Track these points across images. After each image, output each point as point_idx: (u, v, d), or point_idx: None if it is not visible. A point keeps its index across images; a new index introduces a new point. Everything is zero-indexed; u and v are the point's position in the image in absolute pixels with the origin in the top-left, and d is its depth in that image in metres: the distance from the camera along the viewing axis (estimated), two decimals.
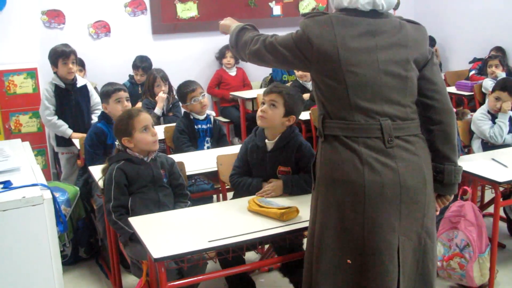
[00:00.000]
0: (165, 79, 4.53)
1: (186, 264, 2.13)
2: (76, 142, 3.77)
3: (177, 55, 5.76)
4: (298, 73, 4.91)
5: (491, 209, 2.98)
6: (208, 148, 3.62)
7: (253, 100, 5.34)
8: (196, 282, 2.50)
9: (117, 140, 2.74)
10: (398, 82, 1.89)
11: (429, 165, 1.95)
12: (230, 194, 2.97)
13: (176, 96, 4.14)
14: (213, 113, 3.78)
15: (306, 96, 4.73)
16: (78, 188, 3.41)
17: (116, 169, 2.60)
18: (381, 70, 1.87)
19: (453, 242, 2.84)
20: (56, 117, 3.97)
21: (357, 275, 1.90)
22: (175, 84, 4.10)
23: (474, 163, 2.95)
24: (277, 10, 6.22)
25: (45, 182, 2.12)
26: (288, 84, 5.14)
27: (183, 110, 3.76)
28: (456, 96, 5.37)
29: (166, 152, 3.58)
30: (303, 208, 2.32)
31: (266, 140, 2.69)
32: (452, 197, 2.08)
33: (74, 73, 3.98)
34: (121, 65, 5.37)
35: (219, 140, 3.69)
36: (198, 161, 3.15)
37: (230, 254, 2.18)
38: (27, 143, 2.86)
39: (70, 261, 3.34)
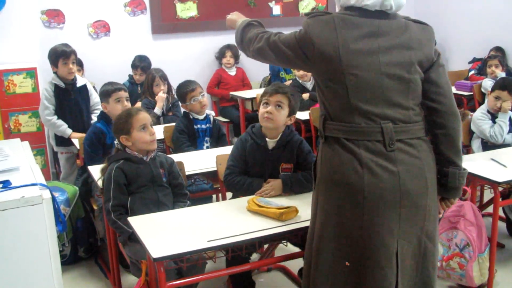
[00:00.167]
0: (164, 78, 4.53)
1: (185, 264, 2.12)
2: (76, 141, 3.77)
3: (176, 55, 5.76)
4: (299, 73, 4.91)
5: (490, 209, 2.97)
6: (207, 148, 3.62)
7: (252, 100, 5.34)
8: (195, 282, 2.50)
9: (116, 139, 2.74)
10: (400, 85, 1.86)
11: (432, 168, 1.92)
12: (229, 194, 2.98)
13: (175, 96, 4.14)
14: (213, 113, 3.79)
15: (305, 96, 4.74)
16: (77, 188, 3.41)
17: (115, 168, 2.60)
18: (382, 72, 1.84)
19: (452, 242, 2.84)
20: (55, 116, 3.97)
21: (355, 278, 1.90)
22: (174, 84, 4.10)
23: (473, 163, 2.95)
24: (276, 10, 6.22)
25: (44, 182, 2.12)
26: (287, 83, 5.15)
27: (182, 109, 3.76)
28: (455, 96, 5.35)
29: (166, 152, 3.58)
30: (302, 208, 2.32)
31: (267, 139, 2.70)
32: (456, 200, 2.06)
33: (74, 73, 3.97)
34: (120, 65, 5.37)
35: (218, 140, 3.69)
36: (197, 161, 3.14)
37: (229, 254, 2.19)
38: (26, 143, 2.86)
39: (69, 261, 3.34)
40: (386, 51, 1.85)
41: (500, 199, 2.84)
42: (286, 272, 3.17)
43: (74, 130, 3.98)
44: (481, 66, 5.62)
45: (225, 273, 2.44)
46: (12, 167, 2.26)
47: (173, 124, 3.72)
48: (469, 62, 6.07)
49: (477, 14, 6.17)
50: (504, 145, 3.54)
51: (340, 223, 1.89)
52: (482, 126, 3.64)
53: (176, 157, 3.01)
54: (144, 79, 4.80)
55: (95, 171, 2.90)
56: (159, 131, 3.41)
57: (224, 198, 3.09)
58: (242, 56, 5.81)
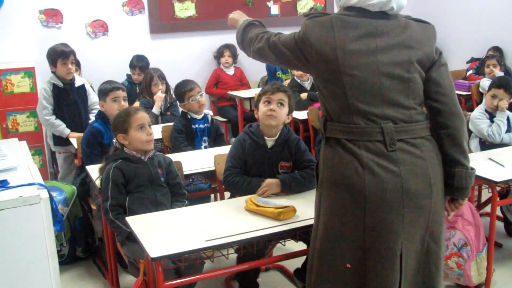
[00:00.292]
0: (162, 78, 4.53)
1: (184, 263, 2.12)
2: (74, 141, 3.77)
3: (175, 55, 5.76)
4: (297, 72, 4.91)
5: (488, 209, 2.98)
6: (205, 147, 3.62)
7: (251, 99, 5.33)
8: (193, 282, 2.50)
9: (114, 138, 2.74)
10: (400, 84, 1.85)
11: (437, 168, 1.89)
12: (227, 194, 2.97)
13: (173, 95, 4.13)
14: (211, 113, 3.78)
15: (304, 95, 4.74)
16: (75, 188, 3.41)
17: (113, 168, 2.60)
18: (381, 72, 1.83)
19: (450, 242, 2.84)
20: (54, 116, 3.96)
21: (357, 279, 1.89)
22: (173, 84, 4.10)
23: (471, 162, 2.93)
24: (275, 9, 6.22)
25: (42, 182, 2.11)
26: (285, 83, 5.15)
27: (180, 109, 3.75)
28: None
29: (164, 152, 3.58)
30: (300, 208, 2.32)
31: (266, 138, 2.71)
32: (466, 201, 2.04)
33: (73, 73, 3.97)
34: (119, 64, 5.35)
35: (216, 140, 3.69)
36: (195, 161, 3.15)
37: (227, 254, 2.19)
38: (24, 143, 2.85)
39: (67, 260, 3.33)
40: (384, 51, 1.84)
41: (498, 199, 2.84)
42: (284, 271, 3.17)
43: (72, 130, 3.98)
44: (479, 66, 5.63)
45: (224, 272, 2.44)
46: (9, 167, 2.25)
47: (171, 123, 3.71)
48: (467, 62, 6.07)
49: (475, 14, 6.18)
50: (502, 144, 3.55)
51: (342, 224, 1.88)
52: (480, 125, 3.65)
53: (174, 156, 3.01)
54: (142, 78, 4.80)
55: (93, 170, 2.90)
56: (157, 130, 3.40)
57: (222, 198, 3.09)
58: (240, 55, 5.81)
